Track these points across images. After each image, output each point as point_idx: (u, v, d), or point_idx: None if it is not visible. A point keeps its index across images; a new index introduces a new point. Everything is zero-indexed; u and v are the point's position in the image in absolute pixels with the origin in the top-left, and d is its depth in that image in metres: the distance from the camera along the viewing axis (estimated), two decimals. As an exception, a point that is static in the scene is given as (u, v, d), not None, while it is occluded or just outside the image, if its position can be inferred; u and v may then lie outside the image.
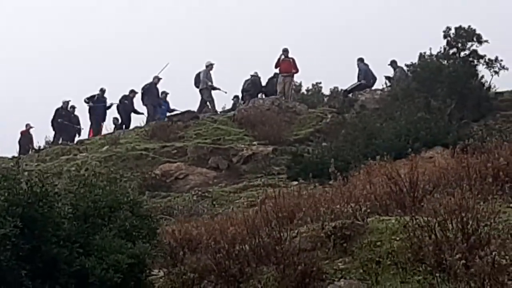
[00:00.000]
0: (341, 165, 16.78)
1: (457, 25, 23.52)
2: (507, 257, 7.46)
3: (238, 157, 23.40)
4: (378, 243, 9.39)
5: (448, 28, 23.54)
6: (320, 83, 33.09)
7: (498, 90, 24.26)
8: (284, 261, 9.01)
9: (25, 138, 30.97)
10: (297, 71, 28.37)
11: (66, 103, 31.02)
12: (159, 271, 10.02)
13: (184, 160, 23.59)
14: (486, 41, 23.36)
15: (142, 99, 29.84)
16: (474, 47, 23.52)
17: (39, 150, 28.54)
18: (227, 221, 10.47)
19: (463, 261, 8.12)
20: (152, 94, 29.57)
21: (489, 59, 23.40)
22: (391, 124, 21.58)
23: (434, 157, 17.27)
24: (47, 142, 30.46)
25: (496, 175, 11.36)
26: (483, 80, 23.58)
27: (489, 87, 23.69)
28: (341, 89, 29.11)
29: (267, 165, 22.66)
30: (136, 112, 30.74)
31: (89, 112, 30.58)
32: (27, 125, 31.35)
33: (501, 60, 23.32)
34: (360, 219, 9.70)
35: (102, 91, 30.69)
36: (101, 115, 30.76)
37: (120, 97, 30.72)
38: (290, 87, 28.35)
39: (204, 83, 28.75)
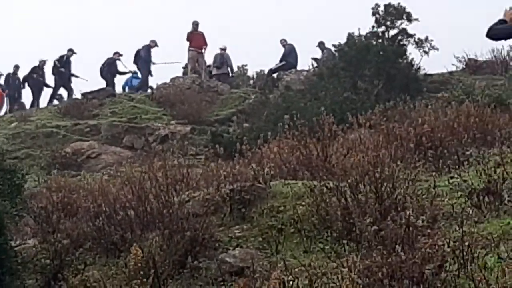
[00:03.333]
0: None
1: (386, 2, 22.49)
2: (423, 217, 6.31)
3: (154, 136, 22.25)
4: (281, 209, 8.26)
5: (377, 5, 22.50)
6: (246, 65, 31.87)
7: (428, 72, 23.25)
8: (172, 226, 7.76)
9: None
10: (207, 46, 27.08)
11: (43, 62, 28.33)
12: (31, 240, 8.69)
13: (97, 139, 22.42)
14: (416, 19, 22.40)
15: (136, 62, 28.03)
16: (403, 26, 22.52)
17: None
18: (110, 182, 9.19)
19: (375, 227, 6.97)
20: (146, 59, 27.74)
21: (419, 38, 22.43)
22: (315, 105, 20.56)
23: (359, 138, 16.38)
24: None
25: (418, 142, 10.30)
26: (412, 61, 22.56)
27: (419, 67, 22.65)
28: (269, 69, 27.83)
29: (184, 145, 21.44)
30: (121, 73, 28.70)
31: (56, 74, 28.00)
32: None
33: (432, 40, 22.37)
34: (263, 182, 8.50)
35: (72, 51, 28.27)
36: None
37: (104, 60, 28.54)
38: (204, 64, 27.05)
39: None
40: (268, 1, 61.05)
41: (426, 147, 10.05)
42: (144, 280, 7.16)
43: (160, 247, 7.71)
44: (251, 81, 29.70)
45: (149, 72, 27.80)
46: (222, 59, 27.43)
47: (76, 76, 28.19)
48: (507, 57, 22.99)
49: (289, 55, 26.23)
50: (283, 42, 26.64)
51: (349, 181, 7.72)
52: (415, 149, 10.24)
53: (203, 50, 26.90)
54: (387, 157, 9.49)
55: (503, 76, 21.84)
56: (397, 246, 6.15)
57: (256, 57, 45.65)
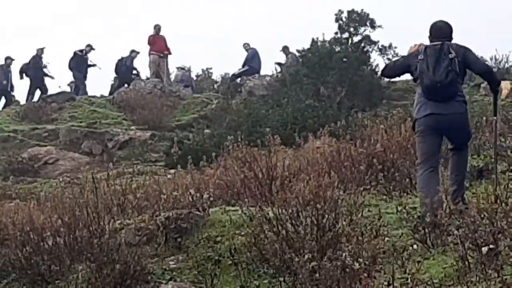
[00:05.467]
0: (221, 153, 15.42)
1: (350, 9, 22.14)
2: (360, 260, 5.89)
3: (113, 142, 21.79)
4: (219, 239, 7.82)
5: (340, 11, 22.16)
6: (211, 68, 31.44)
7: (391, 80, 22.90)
8: (102, 257, 7.30)
9: None
10: (169, 51, 26.57)
11: (40, 50, 27.25)
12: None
13: (55, 144, 21.90)
14: (380, 26, 22.10)
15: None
16: (367, 32, 22.18)
17: None
18: (40, 206, 8.73)
19: (314, 263, 6.55)
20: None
21: (382, 45, 22.10)
22: (277, 112, 20.26)
23: (321, 146, 16.04)
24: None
25: (370, 163, 9.91)
26: (375, 68, 22.22)
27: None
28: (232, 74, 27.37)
29: (144, 151, 21.03)
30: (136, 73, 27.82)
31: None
32: None
33: (395, 47, 22.05)
34: (201, 209, 8.06)
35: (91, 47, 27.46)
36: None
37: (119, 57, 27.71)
38: (166, 68, 26.57)
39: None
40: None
41: (377, 170, 9.66)
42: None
43: (88, 281, 7.27)
44: (215, 85, 29.21)
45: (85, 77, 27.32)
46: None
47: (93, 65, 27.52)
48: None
49: (252, 60, 25.80)
50: (246, 47, 26.20)
51: (289, 211, 7.30)
52: (366, 171, 9.86)
53: (164, 54, 26.37)
54: (335, 181, 9.15)
55: (467, 84, 21.56)
56: (332, 290, 5.77)
57: (221, 60, 45.28)
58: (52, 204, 8.34)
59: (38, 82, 27.00)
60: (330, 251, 6.61)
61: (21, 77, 27.17)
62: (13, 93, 27.50)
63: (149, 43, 26.21)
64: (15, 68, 27.31)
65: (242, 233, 7.72)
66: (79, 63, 27.10)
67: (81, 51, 27.15)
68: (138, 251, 7.54)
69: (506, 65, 22.07)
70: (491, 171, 9.06)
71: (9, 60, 27.18)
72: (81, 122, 23.07)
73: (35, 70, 26.91)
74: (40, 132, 22.53)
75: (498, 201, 7.34)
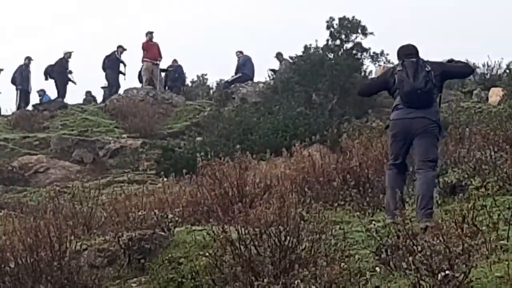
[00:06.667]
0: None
1: (341, 16, 22.01)
2: (314, 287, 5.76)
3: (104, 150, 21.70)
4: (182, 260, 7.69)
5: (332, 19, 22.01)
6: (206, 74, 31.29)
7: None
8: (62, 280, 7.19)
9: None
10: (161, 57, 26.49)
11: (68, 54, 27.10)
12: None
13: (46, 153, 21.83)
14: (372, 33, 21.95)
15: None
16: (358, 40, 22.04)
17: None
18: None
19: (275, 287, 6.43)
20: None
21: (374, 52, 21.94)
22: (268, 119, 20.15)
23: (312, 155, 15.92)
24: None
25: (344, 178, 9.79)
26: (369, 74, 22.07)
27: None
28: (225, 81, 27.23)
29: (135, 159, 20.92)
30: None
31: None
32: None
33: (387, 54, 21.87)
34: (166, 230, 7.94)
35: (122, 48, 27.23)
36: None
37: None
38: (159, 75, 26.48)
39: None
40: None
41: (351, 186, 9.53)
42: None
43: (48, 305, 7.16)
44: (211, 91, 29.08)
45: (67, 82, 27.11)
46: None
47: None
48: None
49: (244, 67, 25.69)
50: (238, 54, 26.10)
51: (251, 232, 7.18)
52: (341, 186, 9.74)
53: (158, 61, 26.28)
54: (308, 197, 9.04)
55: (459, 91, 21.45)
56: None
57: (216, 66, 45.10)
58: (17, 224, 8.20)
59: (62, 84, 26.92)
60: (286, 277, 6.49)
61: (46, 78, 27.16)
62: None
63: (143, 49, 26.10)
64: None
65: (207, 254, 7.58)
66: (113, 64, 26.93)
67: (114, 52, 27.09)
68: (99, 273, 7.42)
69: (498, 72, 21.87)
70: (464, 187, 8.92)
71: (27, 60, 27.08)
72: (72, 130, 23.00)
73: (59, 73, 26.83)
74: (31, 141, 22.44)
75: (466, 220, 7.28)
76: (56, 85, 26.95)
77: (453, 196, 8.93)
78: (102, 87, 28.82)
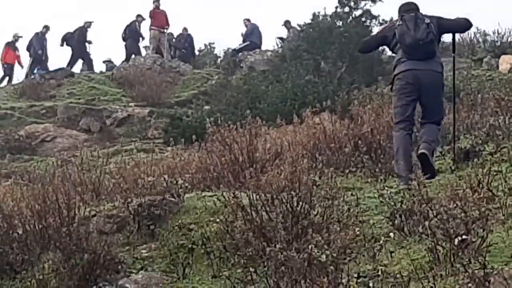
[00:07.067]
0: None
1: (350, -18, 21.72)
2: (327, 252, 5.64)
3: (112, 119, 21.59)
4: (193, 226, 7.57)
5: (340, -15, 21.74)
6: (213, 43, 31.01)
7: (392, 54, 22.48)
8: (70, 246, 7.08)
9: None
10: (169, 25, 26.30)
11: (88, 23, 27.04)
12: None
13: (53, 121, 21.72)
14: (381, 0, 21.67)
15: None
16: (367, 7, 21.78)
17: None
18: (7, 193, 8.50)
19: (285, 253, 6.31)
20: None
21: (383, 19, 21.66)
22: (277, 87, 19.98)
23: (321, 123, 15.80)
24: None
25: (356, 145, 9.66)
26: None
27: (383, 50, 21.88)
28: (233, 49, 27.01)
29: (143, 128, 20.81)
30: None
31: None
32: None
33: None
34: (176, 195, 7.83)
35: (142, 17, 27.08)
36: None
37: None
38: (166, 43, 26.29)
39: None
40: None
41: (362, 152, 9.40)
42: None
43: (56, 271, 7.05)
44: (218, 60, 28.87)
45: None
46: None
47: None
48: (474, 39, 22.28)
49: (251, 35, 25.52)
50: (246, 22, 25.92)
51: (263, 197, 7.06)
52: (352, 153, 9.61)
53: (165, 29, 26.08)
54: (319, 162, 8.91)
55: (469, 58, 21.21)
56: (297, 284, 5.54)
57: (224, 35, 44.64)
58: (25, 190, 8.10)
59: (79, 53, 26.90)
60: (299, 242, 6.38)
61: (62, 45, 27.04)
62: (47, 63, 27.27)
63: (150, 17, 25.89)
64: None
65: (217, 220, 7.48)
66: (133, 34, 26.87)
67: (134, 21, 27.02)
68: (108, 240, 7.32)
69: (509, 39, 21.60)
70: (477, 153, 8.78)
71: (45, 28, 27.04)
72: (79, 98, 22.90)
73: (78, 41, 26.72)
74: (37, 109, 22.36)
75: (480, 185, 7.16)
76: (72, 52, 26.84)
77: (466, 162, 8.78)
78: (104, 61, 28.71)
